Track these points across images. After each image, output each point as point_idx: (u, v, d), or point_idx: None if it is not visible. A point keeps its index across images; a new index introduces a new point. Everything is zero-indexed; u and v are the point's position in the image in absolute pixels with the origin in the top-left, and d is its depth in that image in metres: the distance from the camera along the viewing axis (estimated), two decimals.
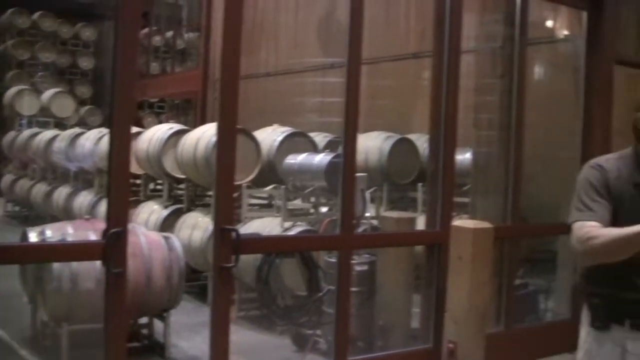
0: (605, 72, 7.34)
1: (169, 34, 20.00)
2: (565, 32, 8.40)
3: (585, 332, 3.20)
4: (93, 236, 5.98)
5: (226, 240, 4.88)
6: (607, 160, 3.16)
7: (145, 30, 19.42)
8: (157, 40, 20.17)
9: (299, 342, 7.22)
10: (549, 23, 8.79)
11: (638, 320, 3.02)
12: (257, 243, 5.86)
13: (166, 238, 7.00)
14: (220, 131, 4.91)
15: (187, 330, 7.60)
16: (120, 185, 4.54)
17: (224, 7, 4.95)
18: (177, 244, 6.95)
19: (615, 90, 7.58)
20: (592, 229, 2.92)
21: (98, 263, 4.58)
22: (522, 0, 6.72)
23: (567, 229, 3.06)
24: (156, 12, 19.58)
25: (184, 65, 19.68)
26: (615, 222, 2.98)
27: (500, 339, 6.68)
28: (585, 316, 3.21)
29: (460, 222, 5.78)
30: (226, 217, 4.95)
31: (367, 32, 11.54)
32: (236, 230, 4.96)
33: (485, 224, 5.66)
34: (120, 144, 4.50)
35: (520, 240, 7.13)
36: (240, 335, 7.38)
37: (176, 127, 10.40)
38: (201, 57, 16.36)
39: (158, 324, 7.02)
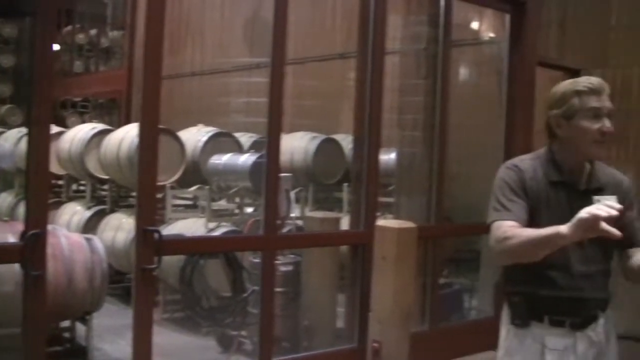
0: (528, 74, 7.46)
1: (93, 32, 19.65)
2: (490, 35, 8.51)
3: (505, 329, 3.23)
4: (12, 238, 5.84)
5: (148, 241, 4.82)
6: (522, 161, 3.19)
7: (69, 28, 19.07)
8: (80, 38, 19.78)
9: (224, 343, 7.17)
10: (474, 25, 8.90)
11: (556, 316, 3.07)
12: (179, 244, 5.80)
13: (88, 239, 6.88)
14: (142, 131, 4.84)
15: (110, 333, 7.48)
16: (39, 185, 4.45)
17: (146, 4, 4.88)
18: (99, 245, 6.83)
19: (538, 92, 7.70)
20: (509, 229, 2.94)
21: (17, 266, 4.47)
22: (446, 2, 6.78)
23: (487, 228, 3.09)
24: (80, 10, 19.21)
25: (108, 64, 19.37)
26: (533, 221, 3.03)
27: (425, 338, 6.73)
28: (505, 314, 3.25)
29: (384, 222, 5.79)
30: (148, 218, 4.88)
31: (293, 31, 11.51)
32: (158, 231, 4.89)
33: (409, 224, 5.69)
34: (39, 144, 4.41)
35: (445, 239, 7.19)
36: (164, 337, 7.29)
37: (99, 126, 10.25)
38: (125, 56, 16.16)
39: (81, 327, 6.90)
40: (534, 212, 3.06)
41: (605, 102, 3.03)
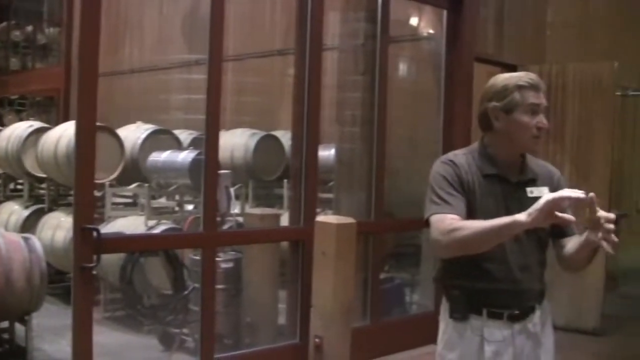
0: (465, 69, 7.54)
1: (29, 28, 19.35)
2: (429, 31, 8.59)
3: (444, 323, 3.24)
4: None
5: (87, 239, 4.79)
6: (456, 156, 3.20)
7: (4, 24, 18.75)
8: (16, 35, 19.45)
9: (166, 342, 7.13)
10: (413, 22, 8.97)
11: (494, 309, 3.09)
12: (119, 242, 5.76)
13: (26, 239, 6.78)
14: (79, 129, 4.80)
15: (51, 333, 7.40)
16: None
17: (81, 1, 4.84)
18: (37, 244, 6.74)
19: (477, 87, 7.79)
20: (455, 221, 2.95)
21: None
22: None
23: (426, 222, 3.11)
24: (15, 6, 18.94)
25: (45, 62, 19.09)
26: (469, 216, 3.04)
27: (367, 332, 6.78)
28: (444, 308, 3.26)
29: (324, 218, 5.82)
30: (86, 216, 4.85)
31: (232, 28, 11.52)
32: (97, 230, 4.87)
33: (349, 220, 5.72)
34: None
35: (385, 234, 7.24)
36: (106, 337, 7.24)
37: (36, 124, 10.09)
38: (63, 53, 15.94)
39: (20, 328, 6.80)
40: (470, 206, 3.07)
41: (543, 99, 3.06)
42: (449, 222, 2.95)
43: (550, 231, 3.19)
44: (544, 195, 2.81)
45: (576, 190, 2.69)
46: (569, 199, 2.65)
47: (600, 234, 2.78)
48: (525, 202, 3.06)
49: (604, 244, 2.77)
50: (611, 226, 2.77)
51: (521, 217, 2.74)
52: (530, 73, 3.10)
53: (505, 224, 2.80)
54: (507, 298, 3.08)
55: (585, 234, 2.92)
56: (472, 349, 3.12)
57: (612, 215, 2.78)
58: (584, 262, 3.13)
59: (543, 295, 3.23)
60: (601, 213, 2.79)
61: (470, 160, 3.15)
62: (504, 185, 3.12)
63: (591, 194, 2.75)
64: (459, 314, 3.15)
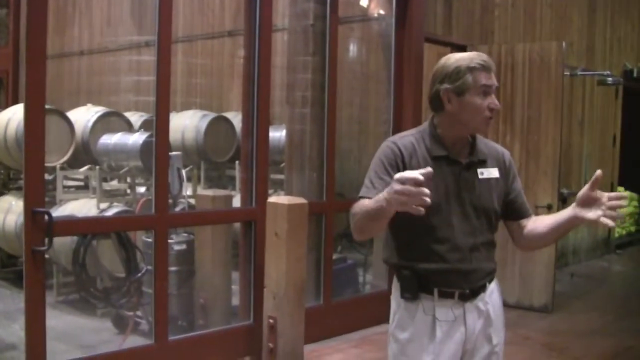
0: (415, 50, 7.58)
1: None
2: (380, 12, 8.61)
3: (396, 303, 3.26)
4: None
5: (38, 222, 4.76)
6: (403, 138, 3.20)
7: None
8: None
9: (119, 324, 7.12)
10: (363, 2, 9.00)
11: (445, 288, 3.11)
12: (70, 225, 5.70)
13: None
14: (28, 111, 4.75)
15: (3, 318, 7.37)
16: None
17: None
18: None
19: (426, 68, 7.85)
20: (356, 206, 2.98)
21: None
22: None
23: None
24: None
25: None
26: None
27: (320, 312, 6.83)
28: (395, 288, 3.27)
29: (275, 198, 5.84)
30: (37, 199, 4.81)
31: (181, 9, 11.45)
32: (48, 213, 4.84)
33: (300, 200, 5.75)
34: None
35: (337, 215, 7.27)
36: (59, 321, 7.23)
37: None
38: (11, 34, 15.73)
39: None
40: None
41: (494, 80, 3.07)
42: (353, 207, 3.00)
43: (505, 213, 3.25)
44: (492, 175, 2.87)
45: (420, 171, 2.57)
46: (415, 180, 2.53)
47: (599, 212, 2.84)
48: (476, 184, 3.12)
49: (604, 219, 2.83)
50: (618, 202, 2.85)
51: (382, 196, 2.70)
52: (481, 54, 3.10)
53: (375, 207, 2.77)
54: (457, 278, 3.10)
55: (568, 212, 2.97)
56: (424, 328, 3.14)
57: (623, 194, 2.84)
58: (553, 240, 3.23)
59: (493, 275, 3.26)
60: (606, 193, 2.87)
61: (420, 141, 3.15)
62: (454, 166, 3.12)
63: (598, 171, 2.80)
64: (410, 293, 3.15)
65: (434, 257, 3.09)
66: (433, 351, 3.12)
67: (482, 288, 3.19)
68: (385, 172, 3.04)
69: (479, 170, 3.15)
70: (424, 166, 2.96)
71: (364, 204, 2.92)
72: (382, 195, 2.70)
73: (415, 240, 3.10)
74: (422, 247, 3.10)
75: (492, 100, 3.05)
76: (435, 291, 3.12)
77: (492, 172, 3.17)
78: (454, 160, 3.12)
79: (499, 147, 3.33)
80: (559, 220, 3.05)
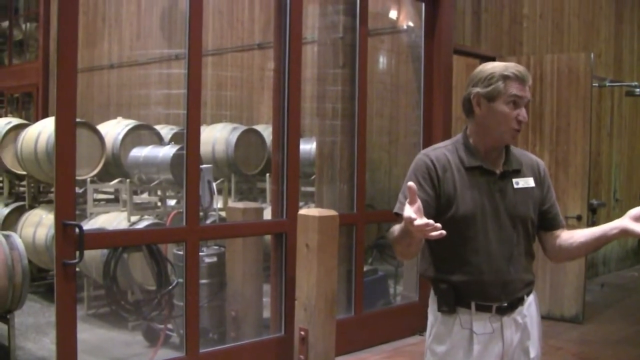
0: (444, 61, 7.58)
1: (5, 24, 19.20)
2: (409, 23, 8.61)
3: (433, 316, 3.24)
4: None
5: (68, 235, 4.78)
6: (436, 149, 3.19)
7: None
8: None
9: (150, 337, 7.13)
10: (392, 14, 9.00)
11: (482, 302, 3.09)
12: (101, 238, 5.72)
13: (7, 236, 6.76)
14: (58, 124, 4.78)
15: (33, 332, 7.41)
16: None
17: None
18: (18, 242, 6.72)
19: (456, 79, 7.86)
20: (392, 229, 3.01)
21: None
22: None
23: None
24: None
25: (22, 57, 18.97)
26: (452, 209, 3.05)
27: (351, 324, 6.82)
28: (432, 301, 3.25)
29: (306, 210, 5.84)
30: (67, 211, 4.82)
31: (211, 22, 11.50)
32: (79, 225, 4.85)
33: (331, 212, 5.75)
34: None
35: (367, 226, 7.25)
36: (90, 333, 7.26)
37: (15, 121, 10.03)
38: (40, 48, 15.87)
39: (2, 327, 6.79)
40: (452, 200, 3.05)
41: (527, 92, 3.04)
42: (392, 228, 3.02)
43: (539, 223, 3.21)
44: (528, 185, 2.86)
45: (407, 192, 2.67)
46: (409, 219, 2.60)
47: None
48: (511, 193, 3.09)
49: None
50: None
51: (406, 229, 2.72)
52: (519, 65, 3.08)
53: (402, 235, 2.83)
54: (495, 290, 3.08)
55: (615, 224, 2.93)
56: (461, 342, 3.12)
57: None
58: (588, 252, 3.21)
59: (532, 286, 3.23)
60: None
61: (453, 152, 3.14)
62: (488, 176, 3.10)
63: None
64: (447, 307, 3.13)
65: (470, 269, 3.07)
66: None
67: (520, 301, 3.16)
68: (418, 184, 3.01)
69: (515, 180, 3.13)
70: (457, 177, 3.00)
71: (395, 229, 2.95)
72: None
73: (452, 252, 3.08)
74: (458, 258, 3.08)
75: (521, 112, 3.03)
76: (473, 304, 3.10)
77: (528, 182, 3.16)
78: (487, 170, 3.10)
79: (533, 157, 3.32)
80: (603, 230, 3.00)
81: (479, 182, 3.09)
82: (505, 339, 3.11)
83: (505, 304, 3.10)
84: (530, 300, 3.22)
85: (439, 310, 3.17)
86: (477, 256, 3.06)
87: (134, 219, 8.02)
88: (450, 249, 3.07)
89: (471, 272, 3.07)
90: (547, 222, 3.23)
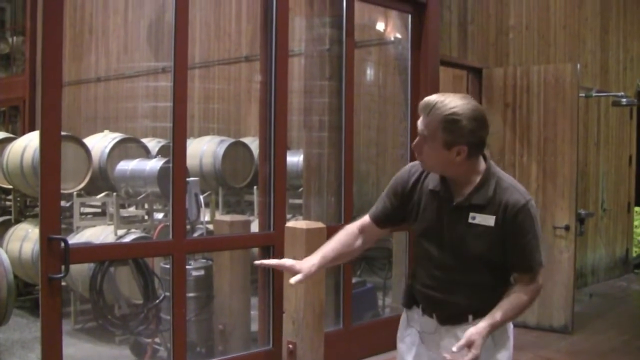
0: (431, 73, 7.58)
1: None
2: (396, 35, 8.61)
3: (402, 316, 3.51)
4: None
5: (54, 249, 4.75)
6: (419, 164, 3.23)
7: None
8: None
9: (138, 352, 7.09)
10: (379, 26, 9.01)
11: (424, 307, 3.29)
12: (87, 252, 5.67)
13: None
14: (44, 138, 4.75)
15: (19, 347, 7.35)
16: None
17: (43, 7, 4.80)
18: (4, 256, 6.69)
19: (442, 90, 7.82)
20: (347, 226, 3.47)
21: None
22: (347, 3, 6.83)
23: None
24: None
25: (9, 71, 18.91)
26: (411, 222, 3.25)
27: (340, 337, 6.79)
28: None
29: (294, 223, 5.82)
30: (53, 226, 4.79)
31: (198, 35, 11.50)
32: (64, 239, 4.81)
33: (318, 224, 5.73)
34: None
35: None
36: (77, 348, 7.21)
37: (1, 134, 10.02)
38: (27, 61, 15.83)
39: None
40: (410, 216, 3.25)
41: (419, 123, 3.08)
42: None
43: (505, 263, 3.12)
44: (485, 223, 3.00)
45: None
46: None
47: None
48: (462, 227, 3.09)
49: None
50: None
51: None
52: (427, 97, 3.12)
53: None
54: (429, 302, 3.25)
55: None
56: (414, 339, 3.35)
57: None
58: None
59: (478, 313, 3.09)
60: None
61: (431, 173, 3.20)
62: (443, 203, 3.13)
63: None
64: (404, 302, 3.41)
65: (420, 276, 3.28)
66: (416, 354, 3.34)
67: (458, 320, 3.16)
68: (389, 191, 3.32)
69: (471, 214, 3.08)
70: (422, 196, 3.19)
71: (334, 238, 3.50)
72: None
73: (416, 256, 3.35)
74: (417, 263, 3.32)
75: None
76: (420, 307, 3.30)
77: (487, 220, 3.05)
78: (444, 197, 3.13)
79: (514, 197, 3.07)
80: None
81: (434, 206, 3.16)
82: (443, 347, 3.15)
83: (443, 317, 3.21)
84: (483, 325, 3.01)
85: (401, 303, 3.45)
86: (423, 269, 3.25)
87: (120, 232, 7.98)
88: (416, 253, 3.32)
89: (419, 280, 3.28)
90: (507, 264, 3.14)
